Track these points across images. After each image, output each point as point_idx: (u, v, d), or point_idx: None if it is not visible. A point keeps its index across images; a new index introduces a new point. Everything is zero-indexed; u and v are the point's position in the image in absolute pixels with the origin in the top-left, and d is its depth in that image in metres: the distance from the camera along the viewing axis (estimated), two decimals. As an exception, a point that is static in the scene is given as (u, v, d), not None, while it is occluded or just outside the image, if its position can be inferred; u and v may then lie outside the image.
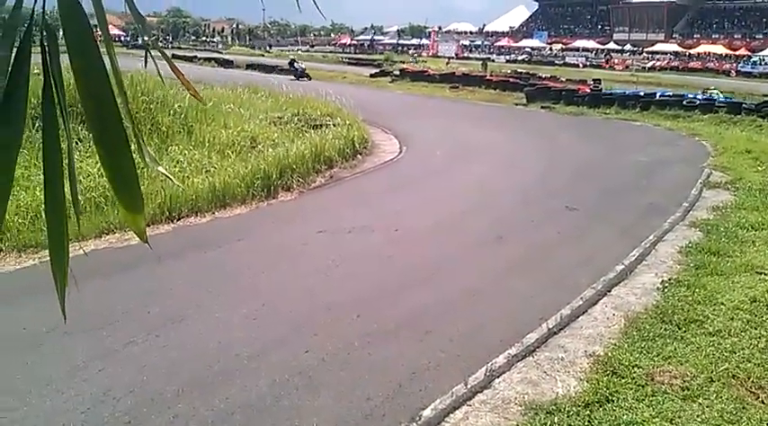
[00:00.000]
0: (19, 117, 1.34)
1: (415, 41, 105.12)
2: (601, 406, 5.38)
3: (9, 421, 5.23)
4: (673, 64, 71.04)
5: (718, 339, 6.54)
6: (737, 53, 73.01)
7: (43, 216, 6.88)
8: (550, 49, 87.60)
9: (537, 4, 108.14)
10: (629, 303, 7.68)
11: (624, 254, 9.34)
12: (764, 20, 79.25)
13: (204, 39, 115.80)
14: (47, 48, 1.34)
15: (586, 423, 5.16)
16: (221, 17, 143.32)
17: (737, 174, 15.08)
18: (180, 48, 79.09)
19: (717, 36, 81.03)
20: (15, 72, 1.30)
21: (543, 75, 43.26)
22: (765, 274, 8.32)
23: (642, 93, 29.87)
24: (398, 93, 36.91)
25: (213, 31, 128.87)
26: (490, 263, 9.31)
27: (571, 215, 11.75)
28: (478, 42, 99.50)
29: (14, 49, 1.31)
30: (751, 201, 12.41)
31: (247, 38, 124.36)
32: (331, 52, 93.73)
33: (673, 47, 78.53)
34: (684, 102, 27.13)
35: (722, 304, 7.37)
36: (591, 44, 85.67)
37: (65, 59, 1.35)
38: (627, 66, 67.49)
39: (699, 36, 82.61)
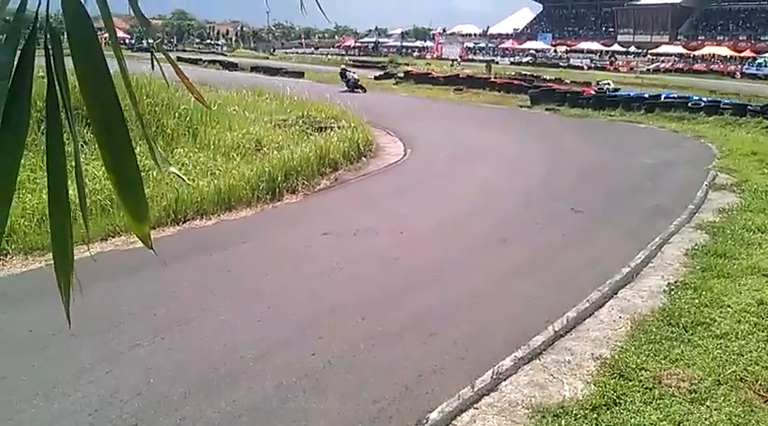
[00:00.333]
0: (22, 120, 1.33)
1: (419, 44, 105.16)
2: (608, 409, 5.36)
3: (16, 424, 5.24)
4: (677, 66, 70.95)
5: (726, 342, 6.52)
6: (742, 55, 72.90)
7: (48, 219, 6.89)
8: (555, 51, 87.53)
9: (541, 6, 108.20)
10: (636, 305, 7.66)
11: (630, 257, 9.32)
12: (770, 21, 79.16)
13: (209, 41, 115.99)
14: (51, 51, 1.33)
15: (593, 426, 5.15)
16: (226, 20, 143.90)
17: (743, 176, 15.04)
18: (184, 50, 79.27)
19: (722, 38, 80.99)
20: (19, 75, 1.30)
21: (548, 77, 43.23)
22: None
23: (647, 95, 29.82)
24: (403, 95, 36.89)
25: (218, 33, 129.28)
26: (495, 266, 9.29)
27: (576, 217, 11.73)
28: (483, 44, 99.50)
29: (18, 52, 1.30)
30: (757, 203, 12.38)
31: (252, 40, 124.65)
32: (335, 54, 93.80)
33: (677, 49, 78.45)
34: (689, 104, 27.09)
35: (729, 306, 7.35)
36: (595, 46, 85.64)
37: (69, 62, 1.34)
38: (631, 68, 67.40)
39: (703, 38, 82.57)
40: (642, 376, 5.87)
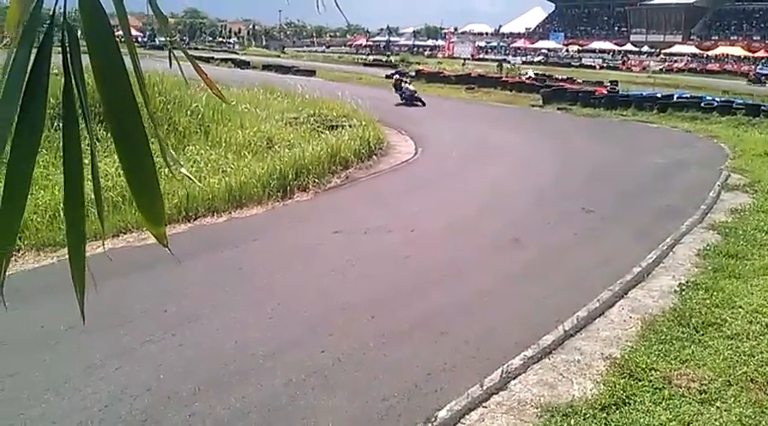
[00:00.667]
0: (38, 118, 1.34)
1: (430, 43, 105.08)
2: (617, 409, 5.35)
3: (27, 419, 5.28)
4: (691, 66, 70.57)
5: (737, 342, 6.50)
6: (756, 55, 72.38)
7: (62, 215, 6.94)
8: (567, 51, 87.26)
9: (553, 5, 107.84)
10: (646, 305, 7.63)
11: (641, 257, 9.29)
12: (784, 22, 78.59)
13: (221, 40, 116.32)
14: (68, 49, 1.34)
15: (603, 426, 5.15)
16: (238, 18, 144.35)
17: (756, 177, 14.95)
18: (196, 48, 79.41)
19: (735, 38, 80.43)
20: (35, 73, 1.31)
21: (560, 77, 43.08)
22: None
23: (659, 95, 29.66)
24: (414, 94, 36.82)
25: (230, 31, 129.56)
26: (506, 265, 9.29)
27: (587, 217, 11.70)
28: (494, 43, 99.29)
29: (34, 51, 1.32)
30: (770, 204, 12.29)
31: (263, 39, 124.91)
32: (347, 53, 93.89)
33: (690, 48, 78.03)
34: (702, 104, 26.93)
35: (740, 307, 7.32)
36: (607, 45, 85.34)
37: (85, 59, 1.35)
38: (644, 68, 67.09)
39: (717, 38, 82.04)
40: (652, 376, 5.85)
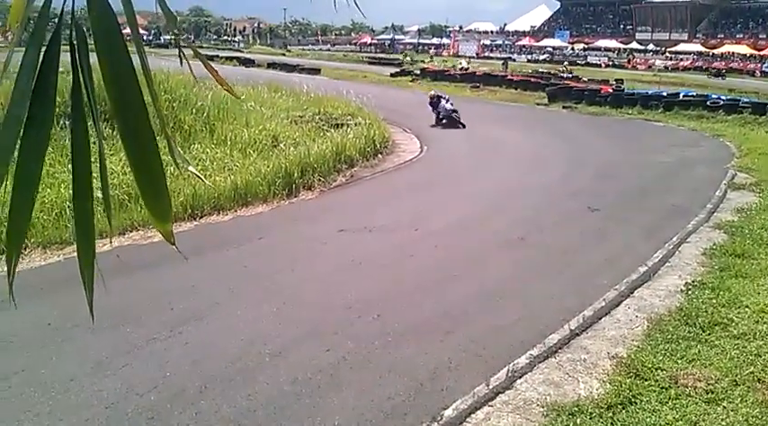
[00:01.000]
0: (47, 116, 1.34)
1: (435, 41, 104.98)
2: (624, 408, 5.34)
3: (34, 415, 5.30)
4: (697, 64, 70.35)
5: (743, 342, 6.47)
6: (762, 53, 72.08)
7: (68, 213, 6.95)
8: (572, 49, 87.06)
9: (559, 3, 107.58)
10: (653, 305, 7.61)
11: (647, 256, 9.27)
12: (790, 20, 78.25)
13: (226, 38, 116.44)
14: (76, 47, 1.34)
15: (609, 425, 5.13)
16: (243, 16, 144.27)
17: (762, 175, 14.90)
18: (201, 47, 78.72)
19: (741, 36, 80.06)
20: (44, 72, 1.31)
21: (565, 75, 42.99)
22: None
23: (665, 94, 29.59)
24: (419, 92, 36.76)
25: (235, 30, 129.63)
26: (511, 263, 9.27)
27: (593, 216, 11.67)
28: (499, 42, 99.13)
29: (42, 49, 1.32)
30: (776, 203, 12.25)
31: (268, 37, 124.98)
32: (351, 51, 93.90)
33: (696, 47, 77.75)
34: (708, 103, 26.84)
35: (747, 307, 7.29)
36: (613, 44, 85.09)
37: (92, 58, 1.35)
38: (649, 66, 66.88)
39: (722, 36, 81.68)
40: (658, 375, 5.83)
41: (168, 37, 68.28)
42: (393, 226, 10.83)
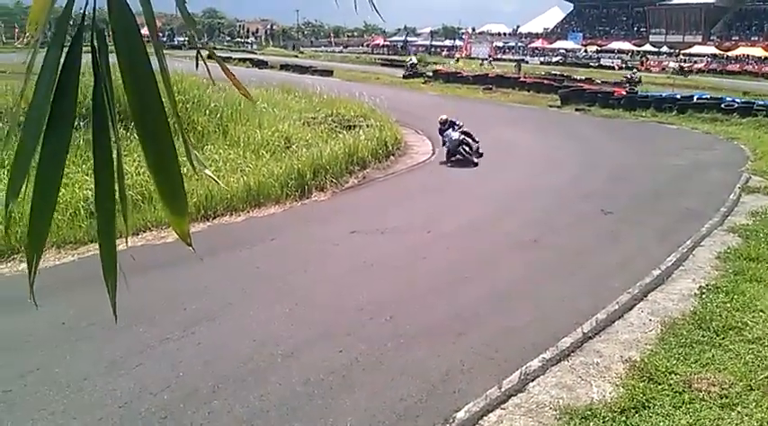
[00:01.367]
0: (69, 117, 1.35)
1: (448, 43, 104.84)
2: (637, 412, 5.32)
3: (49, 414, 5.34)
4: (711, 66, 69.88)
5: (758, 346, 6.43)
6: (777, 56, 71.51)
7: (82, 213, 7.00)
8: (585, 51, 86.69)
9: (572, 5, 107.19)
10: (666, 308, 7.57)
11: (661, 259, 9.21)
12: (806, 22, 77.60)
13: (239, 39, 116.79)
14: (97, 49, 1.35)
15: (622, 429, 5.12)
16: (256, 18, 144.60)
17: (778, 179, 14.78)
18: (215, 48, 78.95)
19: (756, 38, 79.42)
20: (65, 73, 1.32)
21: (578, 77, 42.84)
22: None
23: (679, 96, 29.39)
24: (431, 94, 36.76)
25: (247, 31, 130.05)
26: (524, 266, 9.25)
27: (606, 218, 11.62)
28: (512, 44, 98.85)
29: (64, 51, 1.33)
30: (792, 207, 12.15)
31: (281, 39, 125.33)
32: (364, 53, 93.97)
33: (710, 49, 77.17)
34: (722, 106, 26.61)
35: (761, 311, 7.24)
36: (626, 46, 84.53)
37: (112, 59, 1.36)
38: (663, 69, 66.49)
39: (737, 38, 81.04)
40: (672, 379, 5.80)
41: (182, 38, 68.63)
42: (405, 228, 10.83)
